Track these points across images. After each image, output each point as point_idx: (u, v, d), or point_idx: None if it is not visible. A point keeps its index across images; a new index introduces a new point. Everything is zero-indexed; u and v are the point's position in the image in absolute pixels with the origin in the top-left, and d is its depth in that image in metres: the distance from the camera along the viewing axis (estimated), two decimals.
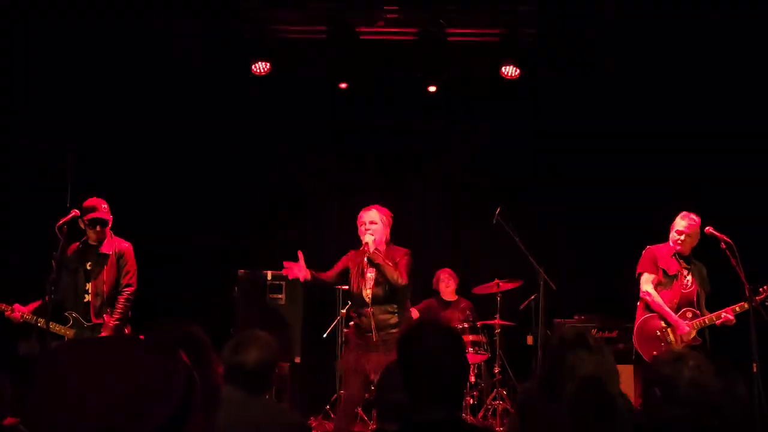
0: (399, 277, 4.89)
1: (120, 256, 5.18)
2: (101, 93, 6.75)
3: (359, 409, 6.01)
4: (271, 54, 6.94)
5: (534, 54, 6.97)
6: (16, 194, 6.17)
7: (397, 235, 5.22)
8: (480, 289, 6.81)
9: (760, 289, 5.13)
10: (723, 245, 5.12)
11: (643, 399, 2.27)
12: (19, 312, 4.96)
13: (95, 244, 5.18)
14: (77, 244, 5.23)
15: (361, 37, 6.93)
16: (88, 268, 5.15)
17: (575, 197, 7.07)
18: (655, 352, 5.08)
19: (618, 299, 6.14)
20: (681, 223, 5.37)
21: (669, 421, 2.14)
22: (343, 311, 6.35)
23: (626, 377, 5.89)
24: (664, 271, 5.40)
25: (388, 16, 6.90)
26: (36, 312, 4.93)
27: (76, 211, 5.03)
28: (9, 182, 6.11)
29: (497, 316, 6.56)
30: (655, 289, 5.41)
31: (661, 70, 6.86)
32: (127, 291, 5.15)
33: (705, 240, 5.36)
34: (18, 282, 5.41)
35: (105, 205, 5.15)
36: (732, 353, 4.81)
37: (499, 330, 6.52)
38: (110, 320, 5.04)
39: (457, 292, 7.12)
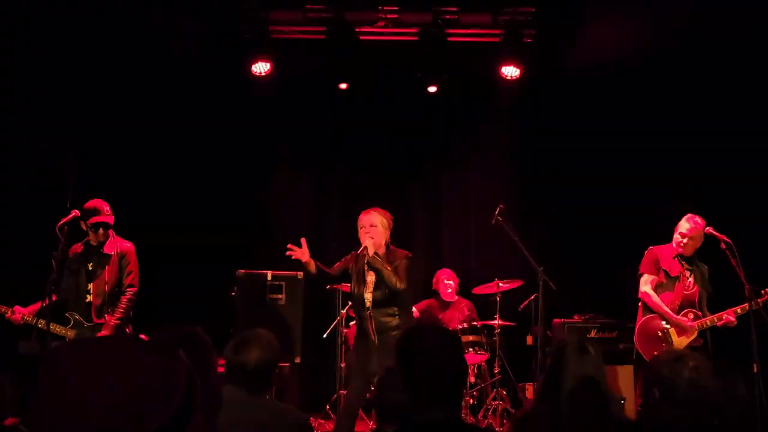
0: (398, 281, 4.87)
1: (122, 257, 5.18)
2: (101, 93, 6.75)
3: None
4: (271, 54, 6.94)
5: (534, 54, 6.97)
6: (16, 194, 6.17)
7: (396, 236, 5.21)
8: (480, 289, 6.81)
9: (762, 292, 5.13)
10: (723, 245, 5.13)
11: (643, 400, 2.27)
12: (20, 314, 4.96)
13: (97, 244, 5.18)
14: (79, 244, 5.23)
15: (361, 38, 6.93)
16: (90, 268, 5.14)
17: (575, 197, 7.07)
18: (656, 353, 5.08)
19: (618, 299, 6.14)
20: (685, 225, 5.38)
21: (668, 422, 2.14)
22: (343, 311, 6.35)
23: (626, 377, 5.91)
24: (666, 273, 5.41)
25: (388, 16, 6.91)
26: (36, 314, 4.92)
27: (77, 211, 5.03)
28: (9, 182, 6.11)
29: (497, 316, 6.56)
30: (657, 290, 5.41)
31: (661, 70, 6.87)
32: (130, 291, 5.15)
33: (705, 240, 5.36)
34: (18, 282, 5.41)
35: (107, 207, 5.15)
36: (732, 354, 4.81)
37: (499, 330, 6.52)
38: (111, 319, 5.04)
39: (457, 292, 7.12)
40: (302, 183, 7.87)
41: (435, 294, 7.17)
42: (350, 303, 5.57)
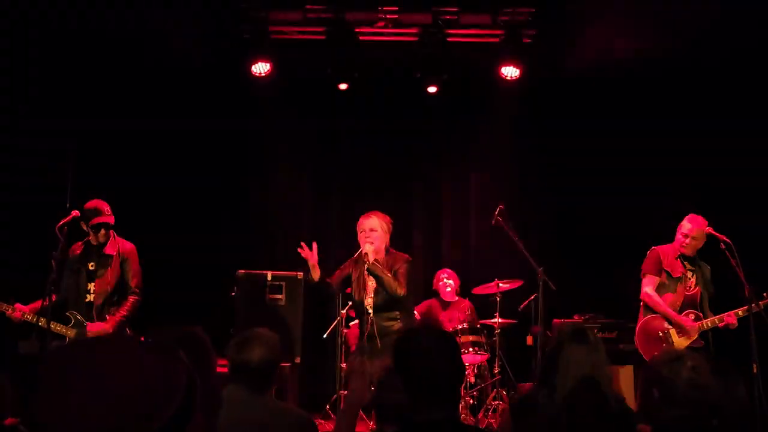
0: (398, 287, 4.83)
1: (124, 258, 5.17)
2: (101, 93, 6.75)
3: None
4: (271, 54, 6.94)
5: (534, 54, 6.97)
6: (16, 194, 6.17)
7: (396, 236, 5.21)
8: (480, 289, 6.81)
9: (764, 294, 5.13)
10: (722, 245, 5.13)
11: (642, 400, 2.28)
12: (20, 311, 4.94)
13: (98, 244, 5.18)
14: (80, 244, 5.23)
15: (361, 38, 6.94)
16: (91, 268, 5.13)
17: (575, 197, 7.07)
18: (656, 353, 5.08)
19: (618, 299, 6.14)
20: (687, 225, 5.38)
21: (668, 422, 2.15)
22: (343, 311, 6.35)
23: (626, 378, 5.91)
24: (668, 274, 5.40)
25: (388, 16, 6.91)
26: (36, 313, 4.92)
27: (77, 211, 5.01)
28: (9, 182, 6.11)
29: (497, 316, 6.56)
30: (659, 290, 5.41)
31: (661, 70, 6.87)
32: (136, 292, 5.15)
33: (706, 241, 5.37)
34: (18, 282, 5.41)
35: (107, 207, 5.13)
36: (732, 354, 4.81)
37: (499, 330, 6.52)
38: (113, 317, 5.02)
39: (457, 292, 7.12)
40: (302, 183, 7.87)
41: (435, 294, 7.17)
42: (350, 303, 5.56)
